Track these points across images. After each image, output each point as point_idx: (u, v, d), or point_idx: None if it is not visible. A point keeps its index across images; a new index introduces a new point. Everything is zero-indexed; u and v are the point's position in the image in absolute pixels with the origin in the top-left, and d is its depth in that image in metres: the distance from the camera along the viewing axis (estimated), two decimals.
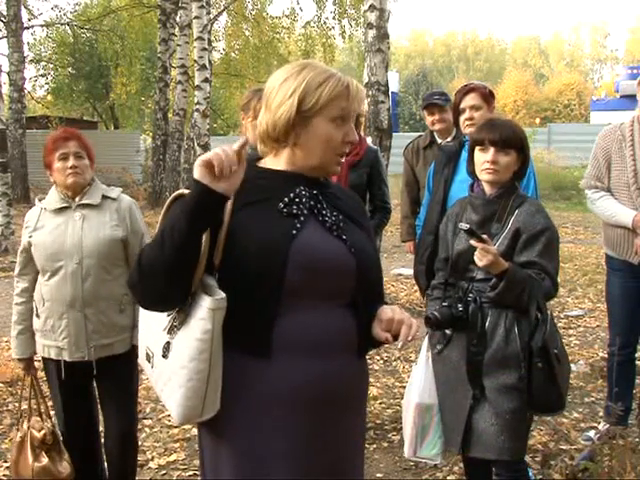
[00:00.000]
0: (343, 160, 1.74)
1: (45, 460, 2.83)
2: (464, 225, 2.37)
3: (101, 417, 2.99)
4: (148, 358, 1.75)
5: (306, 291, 1.65)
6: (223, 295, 1.59)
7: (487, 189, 2.59)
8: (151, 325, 1.74)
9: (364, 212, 1.95)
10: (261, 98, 3.04)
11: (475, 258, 2.38)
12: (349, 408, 1.75)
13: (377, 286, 1.82)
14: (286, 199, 1.67)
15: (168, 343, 1.66)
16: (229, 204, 1.63)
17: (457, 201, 2.77)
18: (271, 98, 1.70)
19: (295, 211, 1.67)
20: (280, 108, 1.67)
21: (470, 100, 3.20)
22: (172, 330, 1.66)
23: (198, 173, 1.52)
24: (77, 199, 2.80)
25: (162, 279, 1.58)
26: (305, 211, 1.68)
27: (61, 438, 2.93)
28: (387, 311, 1.72)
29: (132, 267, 1.65)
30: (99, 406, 2.99)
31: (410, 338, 1.67)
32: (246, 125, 3.17)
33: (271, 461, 1.64)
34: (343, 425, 1.73)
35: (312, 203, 1.71)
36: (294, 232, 1.64)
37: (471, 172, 2.66)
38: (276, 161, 1.74)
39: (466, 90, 3.23)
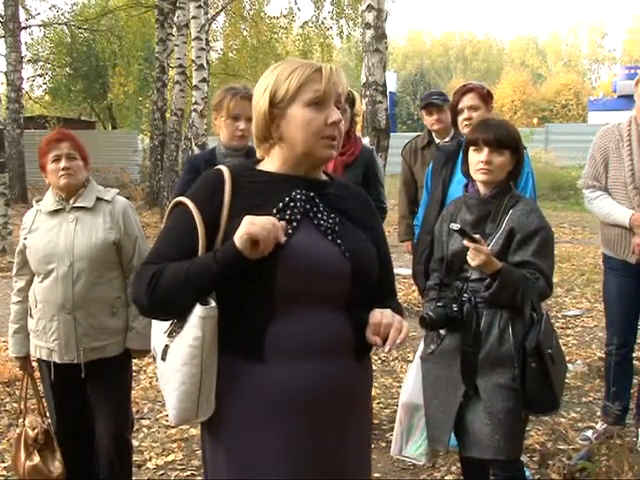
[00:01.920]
0: (335, 143, 1.70)
1: (37, 459, 2.83)
2: (455, 225, 2.37)
3: None
4: (154, 358, 1.78)
5: (299, 295, 1.65)
6: (214, 304, 1.63)
7: (481, 189, 2.59)
8: (156, 326, 1.78)
9: (371, 210, 1.88)
10: (233, 97, 3.04)
11: (468, 258, 2.38)
12: (348, 409, 1.74)
13: (378, 287, 1.79)
14: (280, 204, 1.67)
15: (167, 346, 1.70)
16: (226, 210, 1.66)
17: (452, 201, 2.78)
18: (254, 101, 1.75)
19: (288, 216, 1.66)
20: (257, 106, 1.71)
21: (468, 100, 3.20)
22: (172, 334, 1.69)
23: (242, 246, 1.57)
24: (71, 201, 2.79)
25: (176, 310, 1.67)
26: (299, 215, 1.68)
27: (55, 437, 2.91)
28: (376, 314, 1.70)
29: (139, 288, 1.68)
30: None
31: (399, 341, 1.66)
32: (220, 124, 3.11)
33: (267, 463, 1.65)
34: (342, 426, 1.72)
35: (307, 207, 1.70)
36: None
37: (465, 172, 2.66)
38: (271, 162, 1.75)
39: (464, 90, 3.23)
